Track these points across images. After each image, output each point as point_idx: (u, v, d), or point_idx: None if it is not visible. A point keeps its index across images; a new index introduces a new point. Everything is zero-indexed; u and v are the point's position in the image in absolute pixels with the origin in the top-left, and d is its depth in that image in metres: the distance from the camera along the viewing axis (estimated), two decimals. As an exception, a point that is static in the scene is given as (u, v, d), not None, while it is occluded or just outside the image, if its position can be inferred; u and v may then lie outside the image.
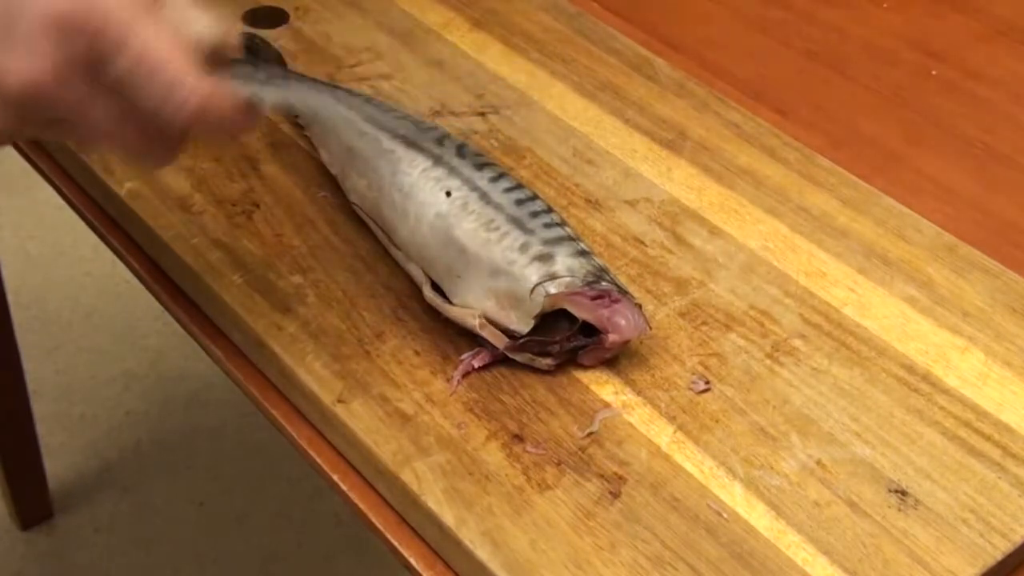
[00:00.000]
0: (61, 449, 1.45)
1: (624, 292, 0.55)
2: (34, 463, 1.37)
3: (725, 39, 0.82)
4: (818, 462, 0.52)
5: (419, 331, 0.57)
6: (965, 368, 0.57)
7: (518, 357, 0.55)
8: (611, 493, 0.51)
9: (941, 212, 0.67)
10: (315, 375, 0.55)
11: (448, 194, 0.58)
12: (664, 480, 0.51)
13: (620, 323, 0.54)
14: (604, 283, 0.55)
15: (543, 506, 0.50)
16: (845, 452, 0.53)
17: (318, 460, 0.55)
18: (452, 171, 0.59)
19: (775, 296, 0.60)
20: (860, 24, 0.84)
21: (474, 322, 0.56)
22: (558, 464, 0.52)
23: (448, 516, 0.50)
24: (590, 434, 0.53)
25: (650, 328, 0.56)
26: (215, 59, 0.49)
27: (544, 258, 0.55)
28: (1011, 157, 0.73)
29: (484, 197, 0.58)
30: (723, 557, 0.49)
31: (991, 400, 0.56)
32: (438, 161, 0.60)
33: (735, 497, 0.51)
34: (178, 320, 0.62)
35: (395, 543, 0.52)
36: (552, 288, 0.54)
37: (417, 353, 0.57)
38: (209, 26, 0.48)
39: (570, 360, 0.56)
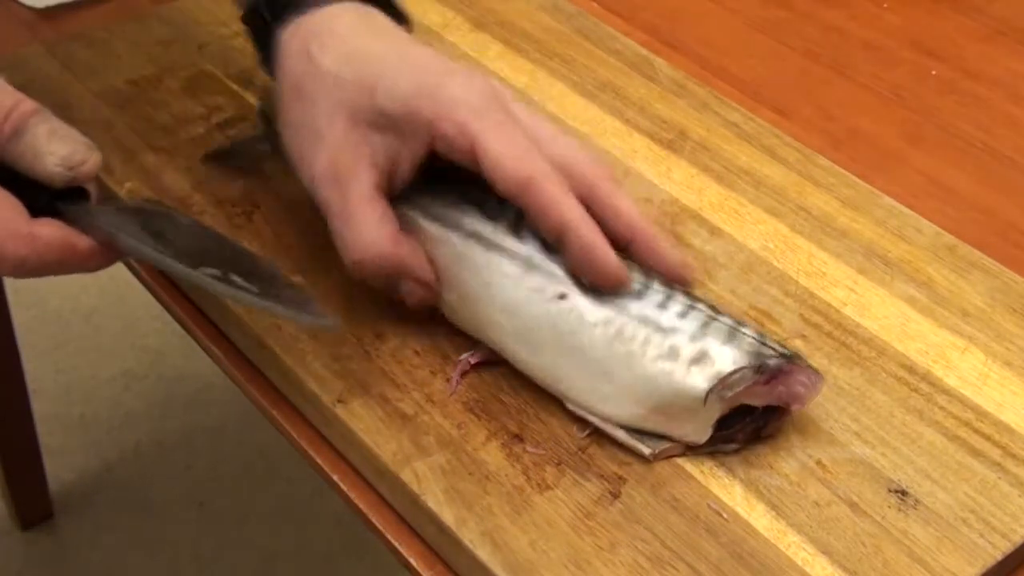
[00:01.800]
0: (61, 449, 1.45)
1: (788, 356, 0.52)
2: (34, 463, 1.37)
3: (725, 39, 0.82)
4: (818, 462, 0.52)
5: (419, 331, 0.57)
6: (965, 368, 0.57)
7: (705, 451, 0.52)
8: (611, 493, 0.51)
9: (941, 212, 0.67)
10: (315, 375, 0.55)
11: (562, 296, 0.53)
12: (664, 480, 0.51)
13: (800, 392, 0.52)
14: (771, 361, 0.51)
15: (543, 506, 0.50)
16: (845, 452, 0.53)
17: (318, 460, 0.55)
18: (550, 274, 0.53)
19: (775, 296, 0.60)
20: (860, 24, 0.84)
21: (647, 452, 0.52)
22: (558, 464, 0.52)
23: (448, 516, 0.50)
24: (590, 434, 0.53)
25: (823, 378, 0.53)
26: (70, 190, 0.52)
27: (700, 359, 0.51)
28: (1011, 157, 0.73)
29: (600, 298, 0.52)
30: (723, 557, 0.49)
31: (991, 400, 0.56)
32: (530, 264, 0.54)
33: (735, 497, 0.51)
34: (178, 320, 0.62)
35: (395, 543, 0.52)
36: (727, 393, 0.50)
37: (417, 353, 0.57)
38: (65, 159, 0.51)
39: (755, 438, 0.53)
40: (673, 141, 0.70)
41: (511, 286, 0.54)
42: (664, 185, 0.67)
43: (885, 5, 0.86)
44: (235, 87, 0.72)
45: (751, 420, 0.52)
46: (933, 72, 0.80)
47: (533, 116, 0.56)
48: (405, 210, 0.56)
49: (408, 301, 0.56)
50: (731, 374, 0.50)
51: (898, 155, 0.73)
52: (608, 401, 0.52)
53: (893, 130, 0.75)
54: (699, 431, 0.51)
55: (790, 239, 0.64)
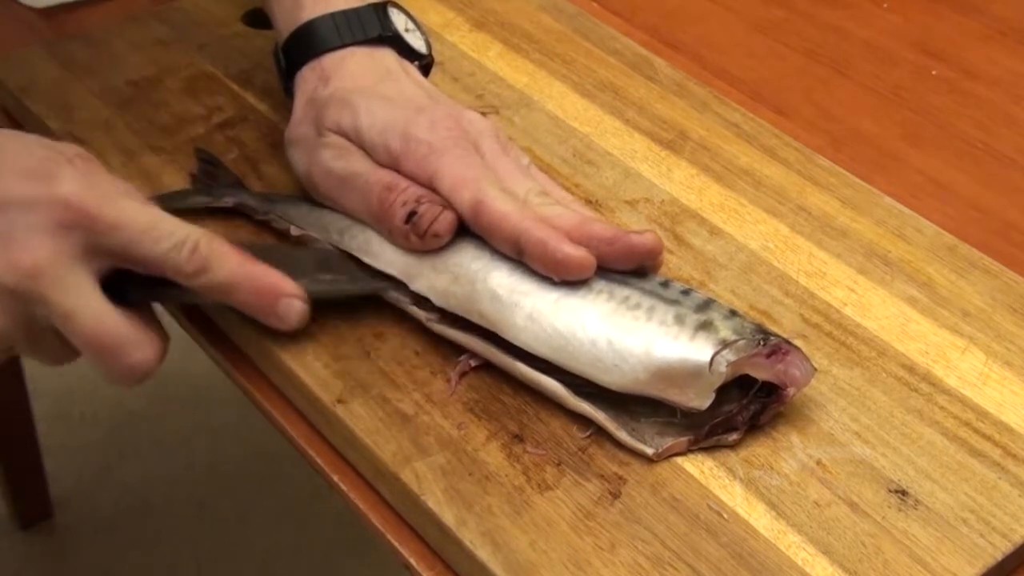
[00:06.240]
0: (61, 449, 1.45)
1: (787, 341, 0.53)
2: (34, 463, 1.37)
3: (725, 39, 0.82)
4: (818, 462, 0.52)
5: (419, 331, 0.57)
6: (965, 368, 0.57)
7: (707, 444, 0.53)
8: (611, 493, 0.51)
9: (941, 212, 0.67)
10: (315, 375, 0.55)
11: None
12: (664, 480, 0.51)
13: (796, 375, 0.52)
14: (772, 338, 0.52)
15: (543, 506, 0.50)
16: (845, 452, 0.53)
17: (318, 460, 0.55)
18: None
19: (775, 296, 0.60)
20: (860, 24, 0.84)
21: (649, 453, 0.52)
22: (558, 464, 0.52)
23: (448, 516, 0.50)
24: (590, 434, 0.53)
25: (816, 369, 0.54)
26: None
27: (706, 326, 0.52)
28: (1011, 157, 0.73)
29: (603, 274, 0.54)
30: (723, 557, 0.49)
31: (991, 400, 0.56)
32: None
33: (735, 497, 0.51)
34: (178, 320, 0.62)
35: (395, 543, 0.52)
36: (731, 356, 0.51)
37: (417, 353, 0.57)
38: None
39: (752, 426, 0.53)
40: (673, 141, 0.70)
41: (512, 263, 0.55)
42: (664, 185, 0.67)
43: (885, 5, 0.86)
44: (235, 87, 0.72)
45: (749, 402, 0.52)
46: (933, 72, 0.80)
47: (507, 152, 0.59)
48: None
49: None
50: (736, 340, 0.52)
51: (898, 155, 0.73)
52: (611, 370, 0.52)
53: (893, 130, 0.75)
54: (701, 396, 0.52)
55: (790, 239, 0.64)
